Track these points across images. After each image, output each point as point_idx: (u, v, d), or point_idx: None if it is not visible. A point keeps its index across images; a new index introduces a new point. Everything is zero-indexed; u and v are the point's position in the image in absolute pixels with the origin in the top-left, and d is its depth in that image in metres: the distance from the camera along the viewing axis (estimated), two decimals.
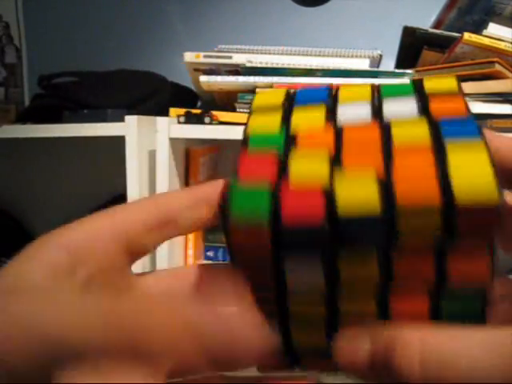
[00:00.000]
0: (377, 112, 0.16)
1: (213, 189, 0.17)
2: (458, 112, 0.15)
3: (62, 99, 0.74)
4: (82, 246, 0.14)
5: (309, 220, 0.13)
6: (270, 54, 0.69)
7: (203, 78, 0.68)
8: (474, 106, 0.63)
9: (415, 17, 0.80)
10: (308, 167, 0.14)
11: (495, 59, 0.63)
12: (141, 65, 0.84)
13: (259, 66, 0.67)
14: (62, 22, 1.05)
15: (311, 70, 0.66)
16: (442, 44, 0.72)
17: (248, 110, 0.18)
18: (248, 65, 0.67)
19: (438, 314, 0.15)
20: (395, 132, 0.15)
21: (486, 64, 0.64)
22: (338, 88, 0.18)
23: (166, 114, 0.67)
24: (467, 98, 0.15)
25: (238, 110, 0.67)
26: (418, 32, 0.73)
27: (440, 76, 0.18)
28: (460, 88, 0.16)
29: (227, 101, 0.71)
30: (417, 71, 0.70)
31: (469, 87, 0.65)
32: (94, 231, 0.15)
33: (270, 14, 1.01)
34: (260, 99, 0.18)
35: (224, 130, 0.64)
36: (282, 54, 0.69)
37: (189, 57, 0.70)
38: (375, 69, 0.70)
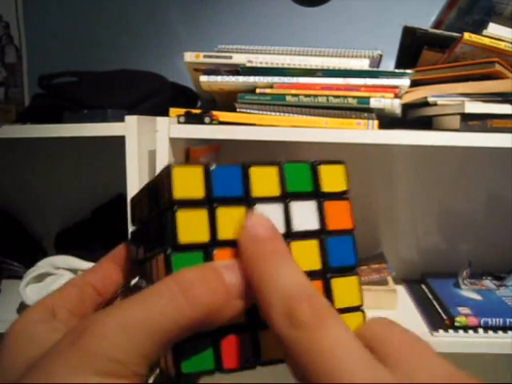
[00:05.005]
0: (287, 222, 0.20)
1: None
2: (345, 226, 0.21)
3: (62, 99, 0.74)
4: None
5: None
6: (269, 53, 0.69)
7: (203, 78, 0.68)
8: (474, 106, 0.63)
9: (415, 17, 0.80)
10: None
11: (495, 59, 0.63)
12: (141, 65, 0.84)
13: (259, 65, 0.67)
14: (61, 22, 1.05)
15: (311, 69, 0.66)
16: (442, 44, 0.72)
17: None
18: (248, 65, 0.67)
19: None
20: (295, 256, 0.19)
21: (485, 64, 0.64)
22: (248, 166, 0.21)
23: (166, 114, 0.67)
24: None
25: (238, 110, 0.67)
26: (418, 32, 0.73)
27: (330, 165, 0.22)
28: (347, 184, 0.21)
29: (227, 101, 0.71)
30: (417, 71, 0.69)
31: (469, 87, 0.65)
32: None
33: (270, 14, 1.01)
34: (180, 185, 0.19)
35: (224, 130, 0.64)
36: (281, 53, 0.69)
37: (189, 57, 0.70)
38: (375, 69, 0.70)
